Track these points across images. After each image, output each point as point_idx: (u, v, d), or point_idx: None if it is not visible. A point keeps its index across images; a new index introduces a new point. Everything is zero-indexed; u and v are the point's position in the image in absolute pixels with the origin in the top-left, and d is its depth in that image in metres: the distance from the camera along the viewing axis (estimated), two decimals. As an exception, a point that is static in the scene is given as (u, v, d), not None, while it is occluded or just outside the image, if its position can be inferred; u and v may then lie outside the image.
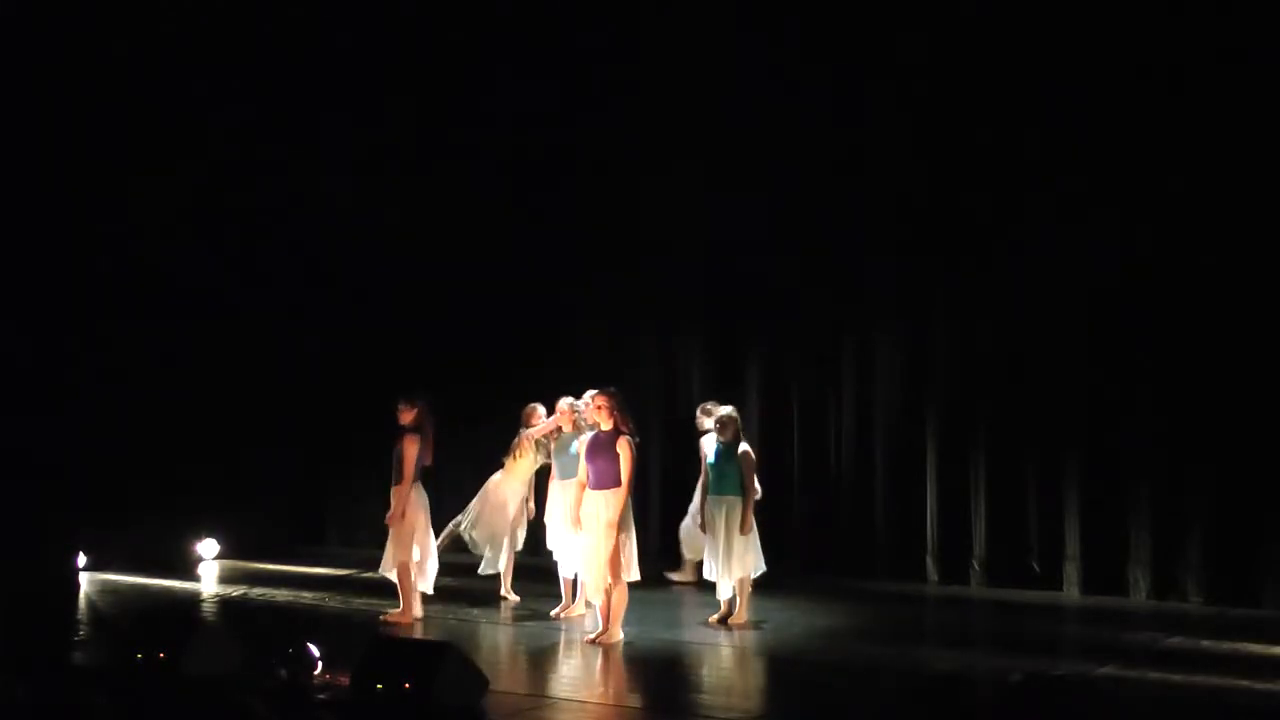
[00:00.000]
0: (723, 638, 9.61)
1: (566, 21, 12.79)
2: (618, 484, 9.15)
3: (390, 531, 9.86)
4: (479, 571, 10.73)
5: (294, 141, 13.51)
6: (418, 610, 9.99)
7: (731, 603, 9.90)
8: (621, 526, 9.13)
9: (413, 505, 9.85)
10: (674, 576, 11.45)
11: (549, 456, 10.48)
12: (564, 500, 9.95)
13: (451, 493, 13.91)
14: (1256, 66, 10.27)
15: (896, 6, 11.68)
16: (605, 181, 12.75)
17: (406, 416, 9.89)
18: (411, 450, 9.81)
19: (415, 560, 9.91)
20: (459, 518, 10.76)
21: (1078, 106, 10.87)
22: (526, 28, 13.00)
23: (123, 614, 10.36)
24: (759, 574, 9.95)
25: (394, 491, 9.83)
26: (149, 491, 12.89)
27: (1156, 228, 10.67)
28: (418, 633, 9.66)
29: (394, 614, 9.95)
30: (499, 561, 10.69)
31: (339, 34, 13.58)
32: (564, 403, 10.25)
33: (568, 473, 10.01)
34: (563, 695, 8.12)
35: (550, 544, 10.34)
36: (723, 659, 9.20)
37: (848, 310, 12.09)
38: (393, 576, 9.95)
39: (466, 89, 13.37)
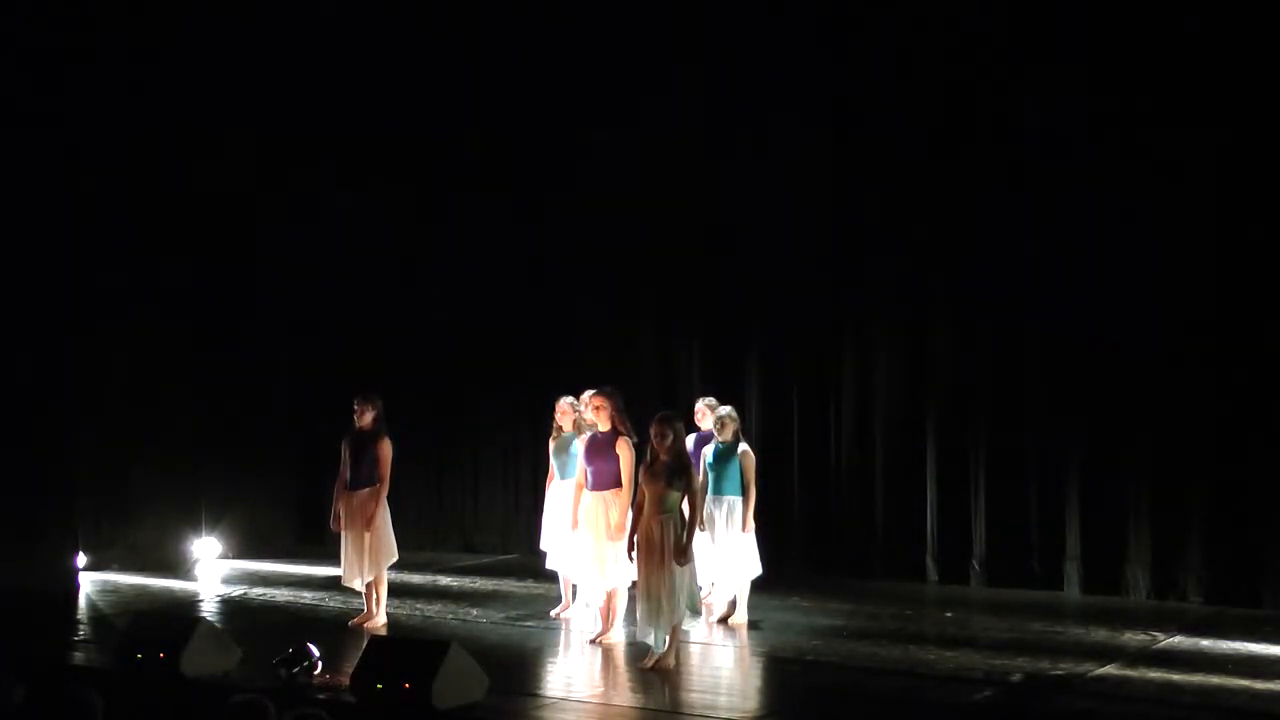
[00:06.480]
0: (723, 638, 9.61)
1: (569, 22, 12.80)
2: (617, 485, 9.14)
3: (367, 539, 9.73)
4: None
5: (296, 149, 13.52)
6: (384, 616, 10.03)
7: (732, 603, 9.90)
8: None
9: (384, 508, 9.85)
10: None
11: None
12: (563, 500, 9.93)
13: (452, 492, 14.04)
14: (1251, 69, 10.28)
15: (898, 6, 11.69)
16: (605, 180, 12.75)
17: (366, 417, 9.88)
18: (389, 451, 9.83)
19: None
20: None
21: (1075, 106, 10.86)
22: (526, 28, 13.01)
23: (123, 614, 10.35)
24: (754, 577, 9.94)
25: (373, 494, 9.76)
26: (149, 491, 12.89)
27: (1155, 228, 10.65)
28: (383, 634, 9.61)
29: (360, 618, 9.95)
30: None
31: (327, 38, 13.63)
32: (564, 401, 10.25)
33: (567, 473, 9.99)
34: (563, 695, 8.12)
35: (548, 544, 10.31)
36: (723, 659, 9.19)
37: (848, 310, 12.08)
38: (361, 586, 9.89)
39: (468, 87, 13.38)
